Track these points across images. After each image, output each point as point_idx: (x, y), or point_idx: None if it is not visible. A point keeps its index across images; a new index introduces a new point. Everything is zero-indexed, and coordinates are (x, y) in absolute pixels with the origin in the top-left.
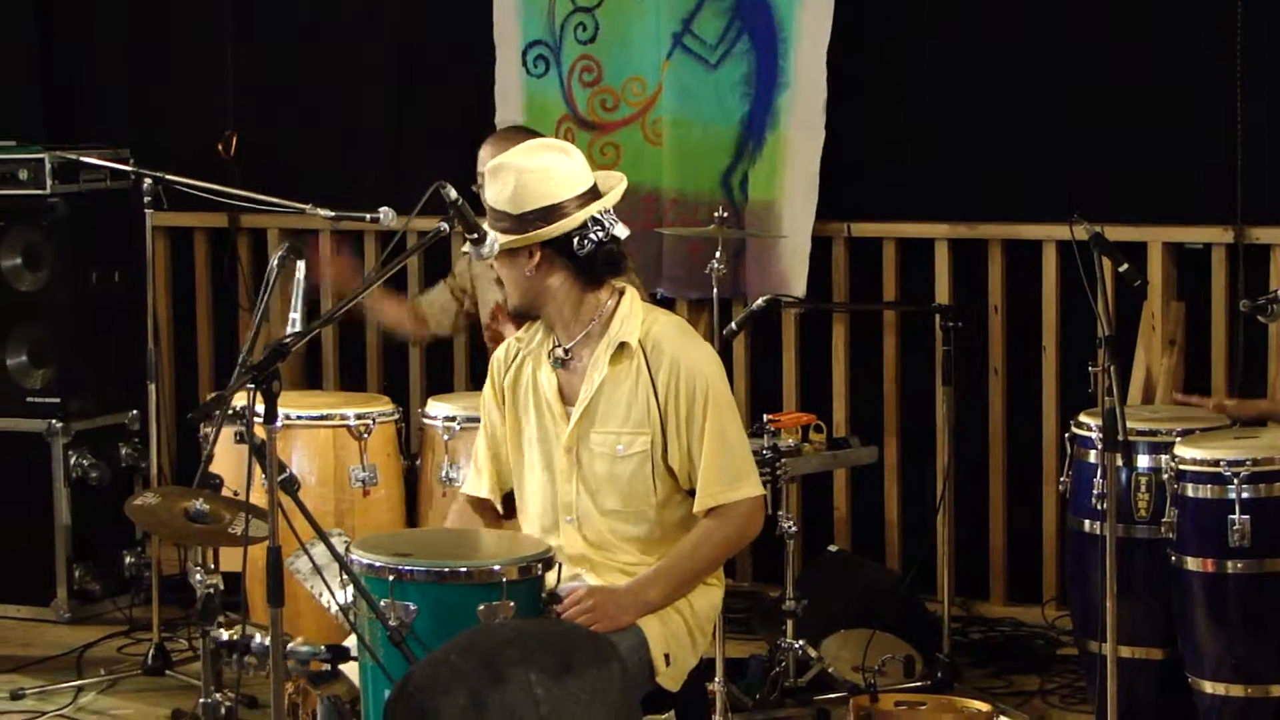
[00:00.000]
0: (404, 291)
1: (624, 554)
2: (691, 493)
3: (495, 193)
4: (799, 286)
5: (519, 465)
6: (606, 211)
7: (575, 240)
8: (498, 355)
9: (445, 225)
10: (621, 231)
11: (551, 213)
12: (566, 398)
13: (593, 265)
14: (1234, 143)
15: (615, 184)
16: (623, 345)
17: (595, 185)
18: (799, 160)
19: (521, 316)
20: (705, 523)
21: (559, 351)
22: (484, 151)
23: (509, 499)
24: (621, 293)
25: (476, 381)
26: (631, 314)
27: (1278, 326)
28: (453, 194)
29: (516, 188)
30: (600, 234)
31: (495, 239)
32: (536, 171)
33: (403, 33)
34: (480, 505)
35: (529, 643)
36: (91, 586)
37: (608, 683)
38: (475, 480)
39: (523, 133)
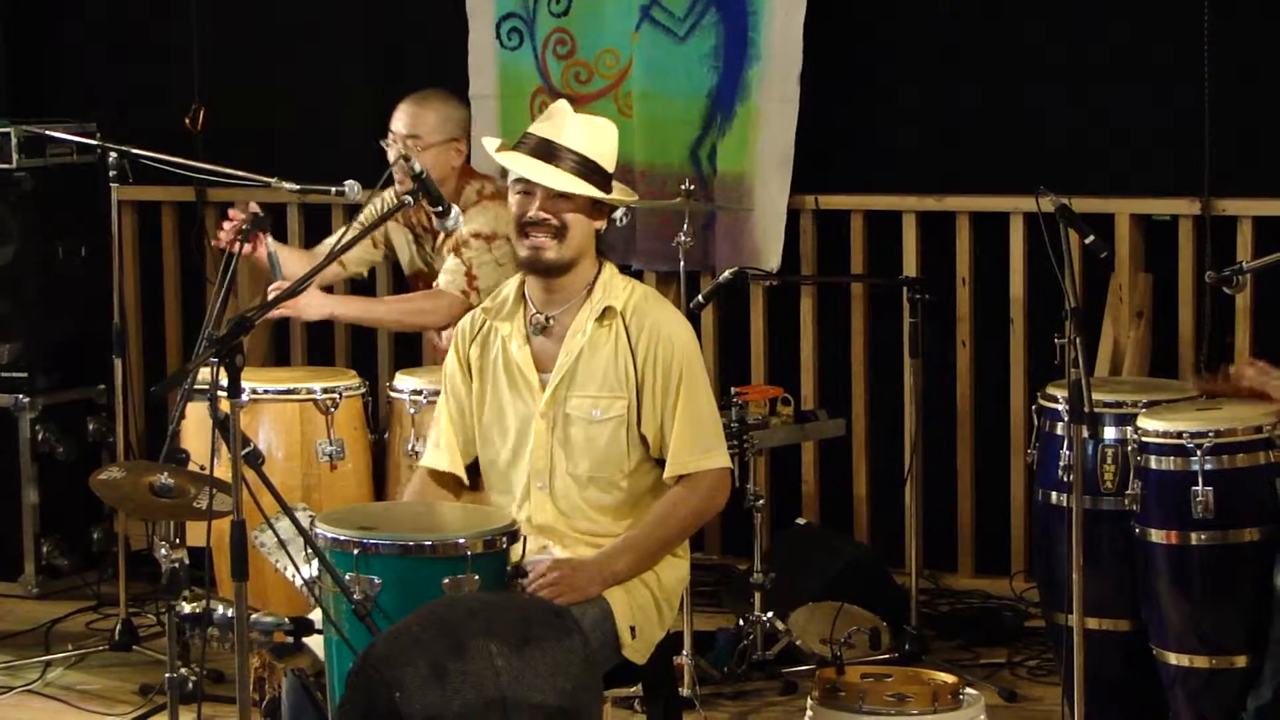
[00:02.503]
0: None
1: (593, 522)
2: (660, 462)
3: (593, 144)
4: (773, 259)
5: (486, 434)
6: None
7: (621, 212)
8: (462, 325)
9: (410, 198)
10: None
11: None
12: (541, 364)
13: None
14: (1201, 114)
15: None
16: (607, 309)
17: None
18: (772, 132)
19: (553, 273)
20: (673, 492)
21: (539, 318)
22: (403, 110)
23: (473, 469)
24: (601, 264)
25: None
26: (613, 282)
27: (1244, 298)
28: (418, 166)
29: (610, 148)
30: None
31: (458, 214)
32: (611, 135)
33: (375, 4)
34: (441, 478)
35: (489, 615)
36: (59, 562)
37: (568, 654)
38: (436, 453)
39: (425, 99)
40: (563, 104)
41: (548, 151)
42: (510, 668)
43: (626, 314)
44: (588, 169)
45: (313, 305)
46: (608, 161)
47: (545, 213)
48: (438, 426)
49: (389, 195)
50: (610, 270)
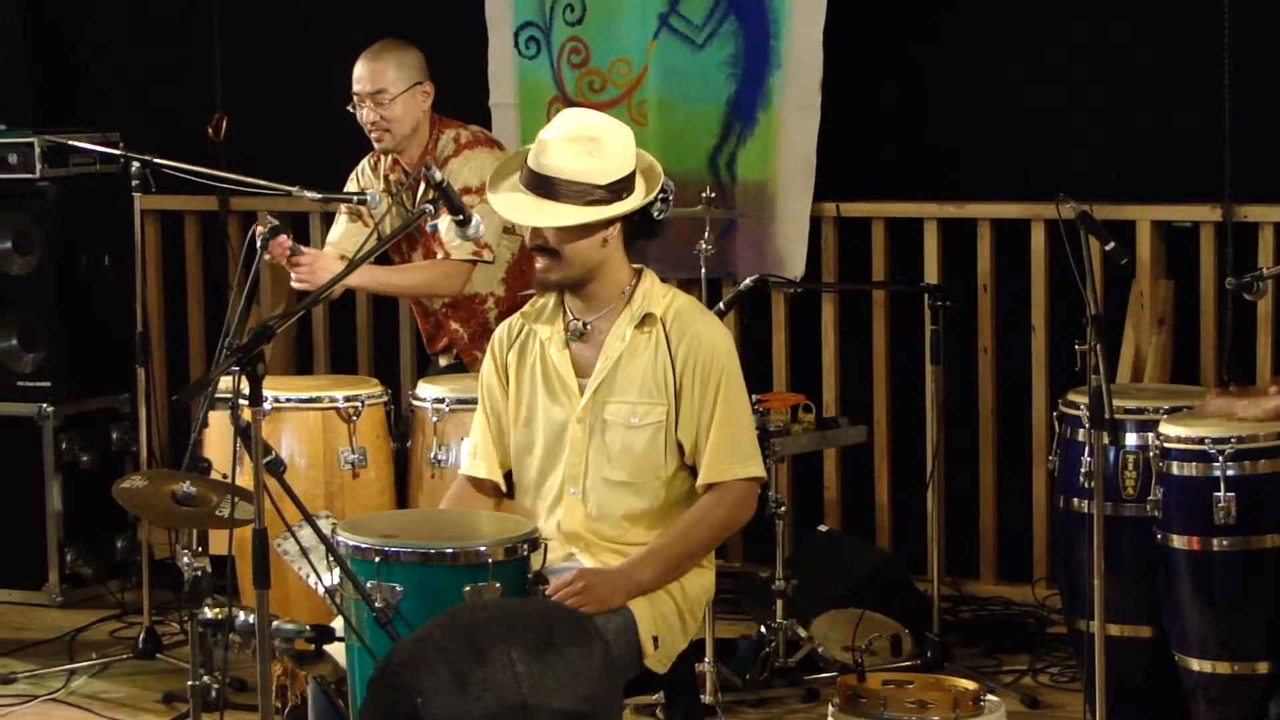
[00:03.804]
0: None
1: (624, 530)
2: (693, 470)
3: (571, 165)
4: (797, 267)
5: (522, 439)
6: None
7: (656, 205)
8: (499, 333)
9: (430, 207)
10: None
11: (632, 179)
12: (580, 370)
13: (649, 232)
14: (1222, 121)
15: (649, 155)
16: (647, 316)
17: None
18: (793, 140)
19: (561, 290)
20: (701, 501)
21: (577, 324)
22: (355, 70)
23: (510, 477)
24: (639, 270)
25: None
26: (654, 289)
27: (1265, 304)
28: (438, 175)
29: (604, 156)
30: (671, 197)
31: (478, 221)
32: (616, 138)
33: (394, 14)
34: (481, 485)
35: (510, 621)
36: (83, 570)
37: (589, 660)
38: (473, 461)
39: (384, 50)
40: (547, 129)
41: (533, 183)
42: (531, 674)
43: (667, 321)
44: (571, 192)
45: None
46: (601, 174)
47: (537, 240)
48: (474, 434)
49: (365, 168)
50: (651, 278)
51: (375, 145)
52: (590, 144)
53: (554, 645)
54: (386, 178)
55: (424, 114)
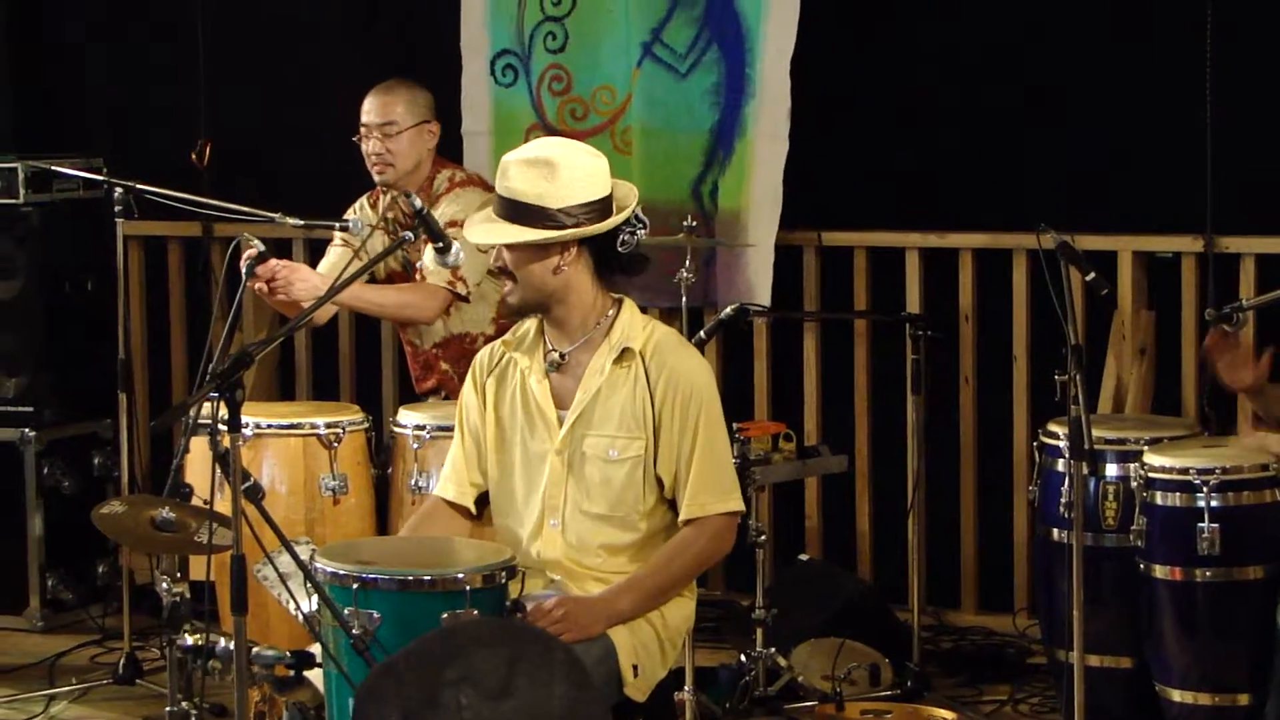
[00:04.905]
0: None
1: (603, 561)
2: (672, 503)
3: (526, 186)
4: (764, 295)
5: (500, 468)
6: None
7: (621, 237)
8: (480, 358)
9: (410, 234)
10: (643, 233)
11: (598, 207)
12: (559, 401)
13: (621, 265)
14: (1204, 151)
15: (629, 187)
16: (625, 350)
17: None
18: (764, 169)
19: (523, 313)
20: (682, 534)
21: (554, 355)
22: (365, 102)
23: (481, 501)
24: (619, 301)
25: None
26: (633, 322)
27: (1245, 335)
28: (417, 202)
29: (560, 180)
30: (641, 232)
31: (458, 250)
32: (578, 164)
33: (371, 41)
34: (452, 507)
35: (474, 662)
36: (64, 595)
37: (545, 705)
38: (446, 483)
39: (394, 86)
40: (510, 153)
41: (498, 207)
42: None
43: (646, 354)
44: (527, 214)
45: (307, 290)
46: (555, 198)
47: (498, 261)
48: (450, 458)
49: (364, 204)
50: (631, 309)
51: (376, 178)
52: (546, 167)
53: (511, 692)
54: (385, 215)
55: (428, 153)
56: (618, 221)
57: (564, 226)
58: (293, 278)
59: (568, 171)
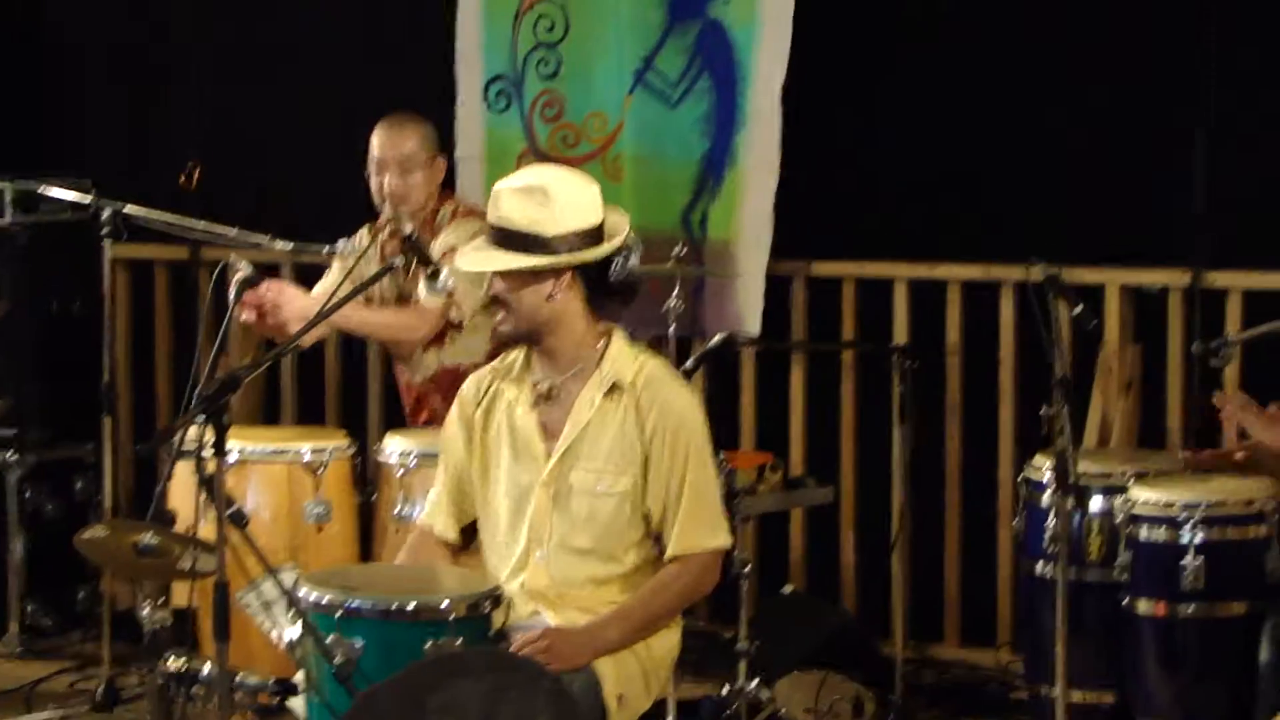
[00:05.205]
0: None
1: (588, 593)
2: (658, 537)
3: (520, 214)
4: (754, 324)
5: (486, 499)
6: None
7: (614, 264)
8: (466, 388)
9: (398, 260)
10: (636, 260)
11: (592, 235)
12: (547, 433)
13: (614, 293)
14: (1191, 186)
15: (621, 214)
16: (615, 385)
17: None
18: (754, 198)
19: (515, 342)
20: (669, 568)
21: (543, 387)
22: (372, 138)
23: (466, 531)
24: (609, 333)
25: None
26: (623, 354)
27: (1232, 370)
28: (407, 228)
29: (554, 208)
30: (634, 260)
31: (448, 276)
32: (571, 192)
33: (365, 64)
34: (440, 536)
35: (457, 692)
36: (43, 621)
37: None
38: (432, 512)
39: (406, 120)
40: (503, 180)
41: (491, 235)
42: None
43: (637, 387)
44: (520, 242)
45: (296, 312)
46: (549, 224)
47: (493, 290)
48: (435, 487)
49: (364, 234)
50: (620, 341)
51: (389, 213)
52: (540, 195)
53: None
54: (383, 248)
55: (436, 187)
56: (611, 249)
57: (558, 253)
58: (281, 300)
59: (561, 199)
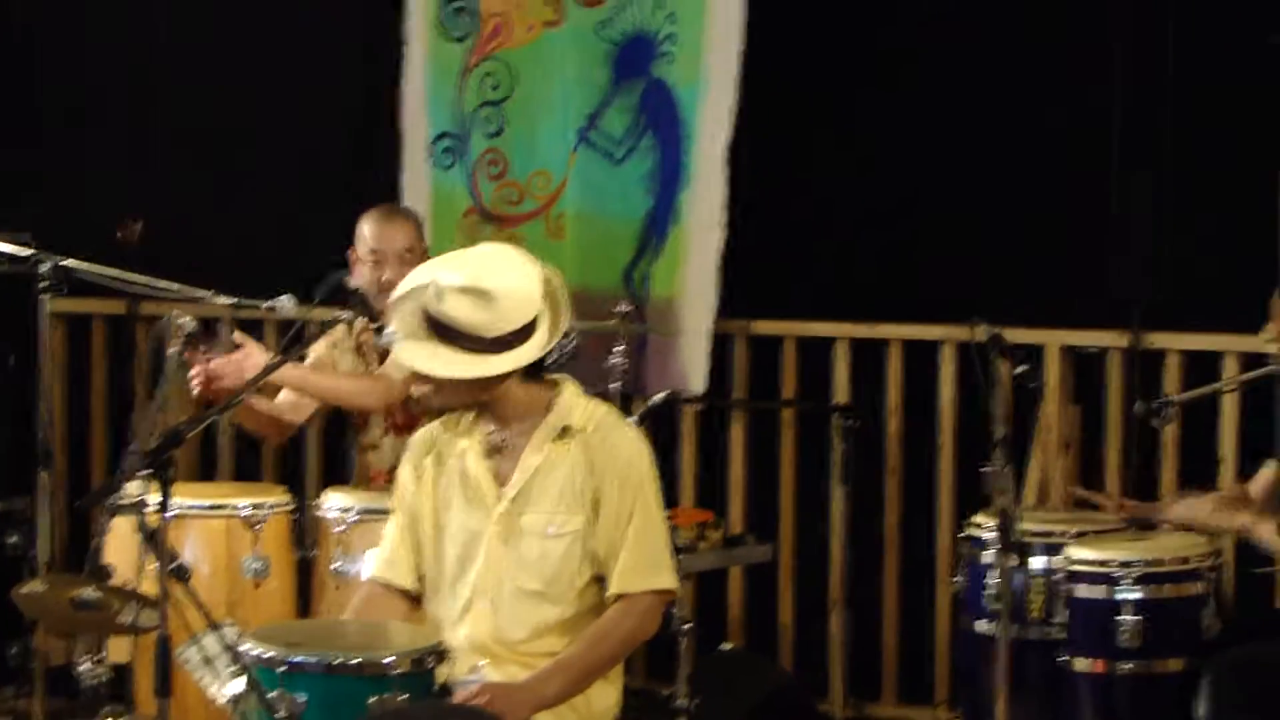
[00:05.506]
0: None
1: (535, 640)
2: (604, 580)
3: (464, 316)
4: (698, 382)
5: (435, 548)
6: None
7: (551, 355)
8: (419, 437)
9: (348, 314)
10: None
11: (528, 331)
12: (499, 479)
13: (550, 369)
14: (1130, 247)
15: (559, 280)
16: (565, 428)
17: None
18: (698, 257)
19: (438, 413)
20: (610, 614)
21: (495, 439)
22: (367, 228)
23: (421, 580)
24: (560, 383)
25: None
26: (574, 401)
27: (1171, 431)
28: (352, 283)
29: (496, 311)
30: (570, 343)
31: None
32: (511, 289)
33: (308, 120)
34: (390, 591)
35: None
36: None
37: None
38: (384, 566)
39: (402, 212)
40: (446, 273)
41: (430, 323)
42: None
43: (587, 430)
44: (462, 341)
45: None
46: (491, 328)
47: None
48: (387, 539)
49: (341, 329)
50: (571, 390)
51: (378, 303)
52: (482, 298)
53: None
54: (358, 337)
55: None
56: (550, 346)
57: (498, 353)
58: (245, 364)
59: (504, 301)
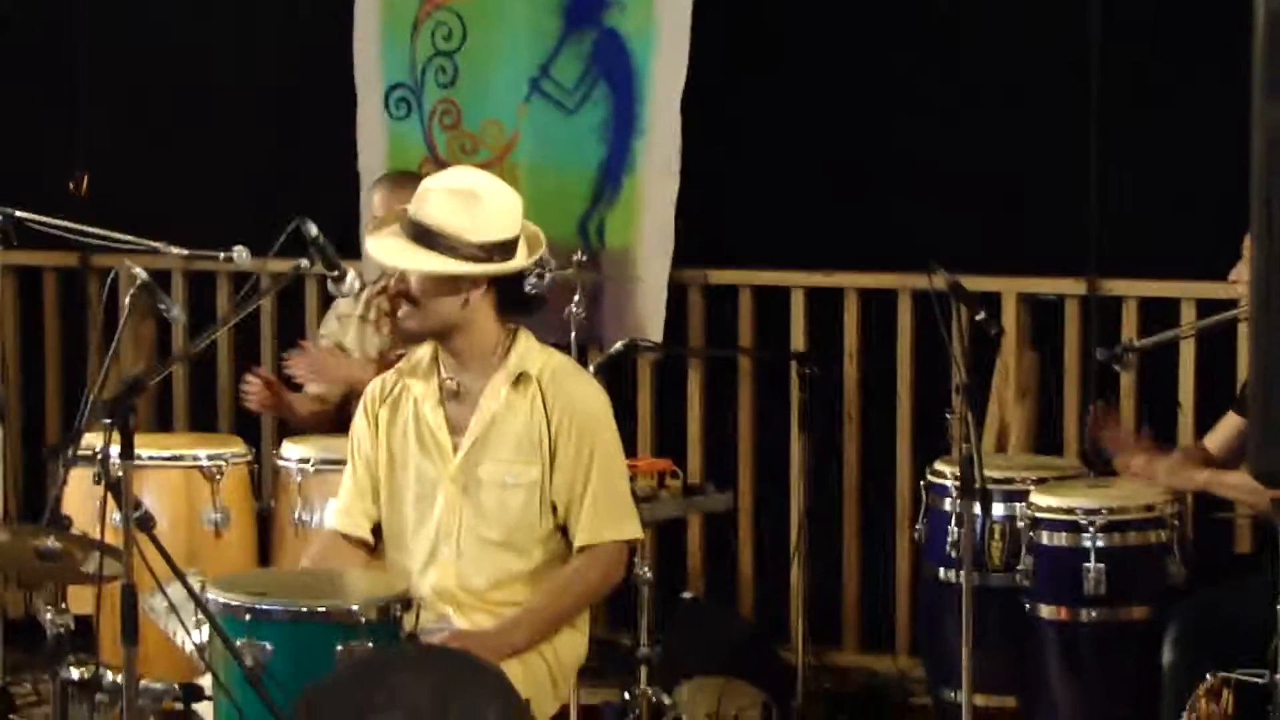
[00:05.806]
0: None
1: (499, 589)
2: (566, 530)
3: (447, 217)
4: (656, 332)
5: (392, 498)
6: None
7: (530, 278)
8: (372, 387)
9: (305, 263)
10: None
11: (512, 246)
12: (454, 428)
13: (523, 303)
14: (1088, 194)
15: (535, 228)
16: (522, 375)
17: None
18: (654, 206)
19: (419, 339)
20: (575, 562)
21: (451, 385)
22: (377, 196)
23: (377, 531)
24: (515, 330)
25: None
26: (530, 349)
27: (1128, 377)
28: (313, 230)
29: (480, 215)
30: (548, 273)
31: (353, 279)
32: (498, 200)
33: (264, 73)
34: (348, 541)
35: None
36: None
37: None
38: (341, 515)
39: (415, 178)
40: (432, 178)
41: (410, 230)
42: None
43: (543, 380)
44: (444, 244)
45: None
46: (475, 231)
47: (401, 285)
48: (344, 489)
49: (344, 306)
50: (527, 337)
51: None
52: (469, 199)
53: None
54: (366, 305)
55: None
56: (530, 263)
57: (478, 261)
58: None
59: (489, 206)
